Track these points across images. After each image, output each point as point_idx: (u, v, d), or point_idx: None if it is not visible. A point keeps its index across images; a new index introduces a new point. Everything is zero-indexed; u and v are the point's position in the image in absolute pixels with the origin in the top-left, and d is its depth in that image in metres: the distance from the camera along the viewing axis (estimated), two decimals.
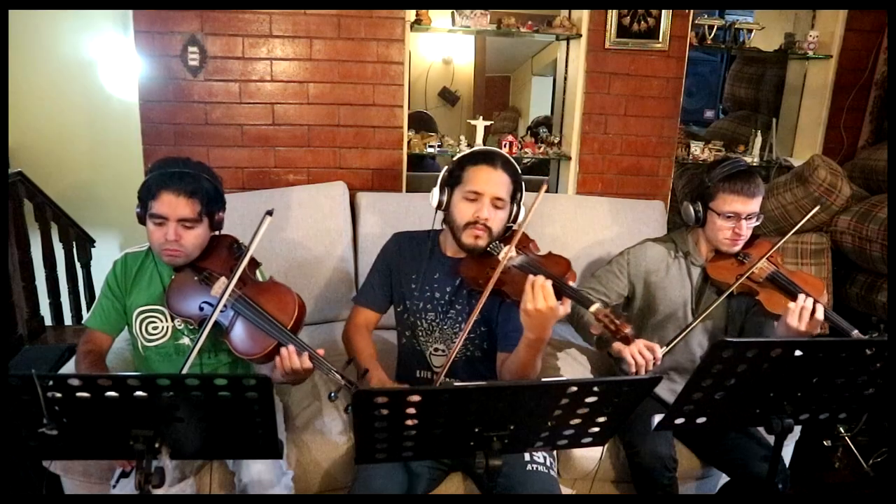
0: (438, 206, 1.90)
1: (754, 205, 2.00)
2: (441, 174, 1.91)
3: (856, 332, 1.92)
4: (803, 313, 1.86)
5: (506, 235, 1.89)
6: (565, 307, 1.60)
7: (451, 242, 1.92)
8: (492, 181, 1.82)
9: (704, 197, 2.05)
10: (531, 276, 1.59)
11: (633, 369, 1.83)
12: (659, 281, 2.14)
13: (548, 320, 1.59)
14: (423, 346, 1.96)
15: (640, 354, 1.85)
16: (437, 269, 1.94)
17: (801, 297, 1.88)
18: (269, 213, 1.68)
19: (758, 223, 2.05)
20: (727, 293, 2.01)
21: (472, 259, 1.86)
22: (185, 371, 1.61)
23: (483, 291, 1.71)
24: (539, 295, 1.56)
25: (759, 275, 2.02)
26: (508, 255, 1.75)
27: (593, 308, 1.61)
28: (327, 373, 1.66)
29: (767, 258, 2.04)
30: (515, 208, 1.88)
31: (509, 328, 1.85)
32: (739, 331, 2.15)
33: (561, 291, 1.61)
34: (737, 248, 2.06)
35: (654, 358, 1.85)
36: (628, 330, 1.59)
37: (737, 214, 1.99)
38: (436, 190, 1.89)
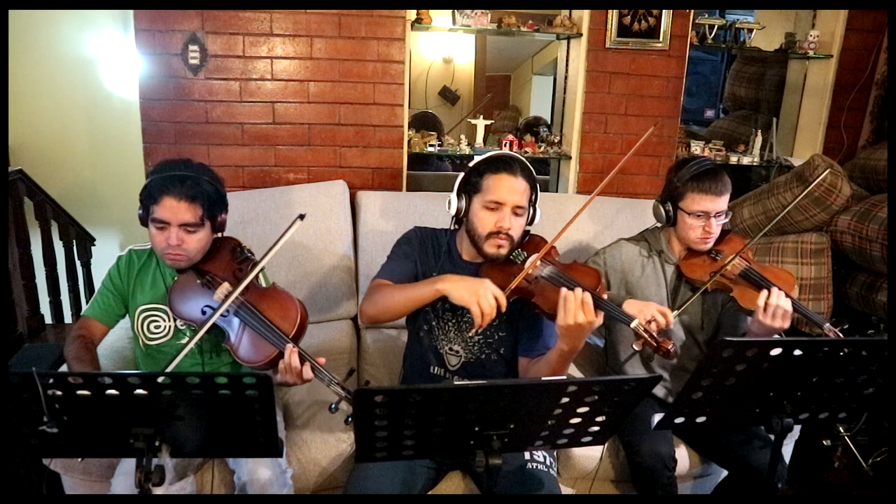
0: (457, 214, 1.87)
1: (722, 203, 2.02)
2: (457, 181, 1.89)
3: (827, 325, 1.95)
4: (769, 310, 1.88)
5: (524, 241, 1.88)
6: (599, 318, 1.61)
7: (468, 246, 1.90)
8: (514, 190, 1.79)
9: (674, 197, 2.07)
10: (566, 290, 1.59)
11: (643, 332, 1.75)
12: (635, 280, 2.15)
13: (584, 332, 1.60)
14: (439, 343, 1.94)
15: (651, 317, 1.79)
16: (455, 272, 1.92)
17: (765, 293, 1.90)
18: (301, 217, 1.68)
19: (727, 220, 2.08)
20: (701, 291, 2.04)
21: (491, 266, 1.84)
22: (177, 364, 1.63)
23: (507, 299, 1.71)
24: (580, 310, 1.57)
25: (731, 271, 2.05)
26: (534, 265, 1.74)
27: (633, 324, 1.62)
28: (328, 384, 1.66)
29: (739, 255, 2.06)
30: (532, 211, 1.87)
31: (534, 335, 1.86)
32: (716, 325, 2.17)
33: (596, 305, 1.61)
34: (707, 246, 2.09)
35: (668, 322, 1.81)
36: (671, 346, 1.60)
37: (706, 213, 2.02)
38: (453, 197, 1.86)
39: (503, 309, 1.67)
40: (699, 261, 2.11)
